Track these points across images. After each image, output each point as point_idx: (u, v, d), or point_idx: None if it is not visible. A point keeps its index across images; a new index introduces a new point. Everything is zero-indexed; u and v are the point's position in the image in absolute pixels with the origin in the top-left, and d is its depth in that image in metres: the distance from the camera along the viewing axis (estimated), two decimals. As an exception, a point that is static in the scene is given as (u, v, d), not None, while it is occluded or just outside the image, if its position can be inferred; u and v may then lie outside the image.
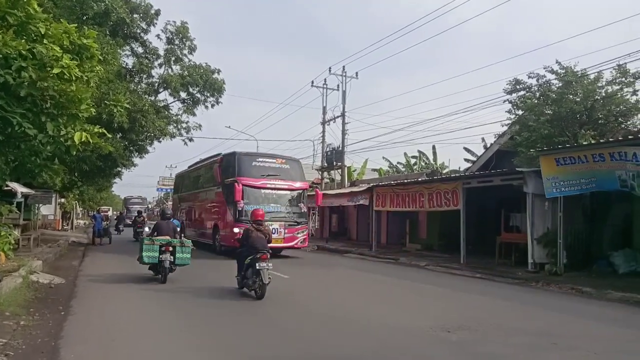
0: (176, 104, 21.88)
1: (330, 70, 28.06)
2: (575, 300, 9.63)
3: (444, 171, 29.65)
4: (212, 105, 21.53)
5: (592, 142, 13.10)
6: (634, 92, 14.95)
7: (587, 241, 13.41)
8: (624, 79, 14.78)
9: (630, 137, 12.00)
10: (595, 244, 13.45)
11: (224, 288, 9.57)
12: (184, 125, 21.78)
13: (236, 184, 15.62)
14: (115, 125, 14.63)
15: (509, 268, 13.45)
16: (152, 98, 20.45)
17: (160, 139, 20.20)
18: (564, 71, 15.44)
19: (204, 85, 20.64)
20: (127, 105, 13.02)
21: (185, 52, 20.44)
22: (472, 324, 6.95)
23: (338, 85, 28.17)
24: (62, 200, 35.74)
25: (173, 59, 20.22)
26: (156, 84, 20.74)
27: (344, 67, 27.86)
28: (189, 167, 24.64)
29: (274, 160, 17.10)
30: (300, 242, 16.87)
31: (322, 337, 6.09)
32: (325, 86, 28.93)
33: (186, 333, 6.22)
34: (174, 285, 9.95)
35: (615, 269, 12.21)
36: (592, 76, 15.18)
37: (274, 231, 14.12)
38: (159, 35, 19.96)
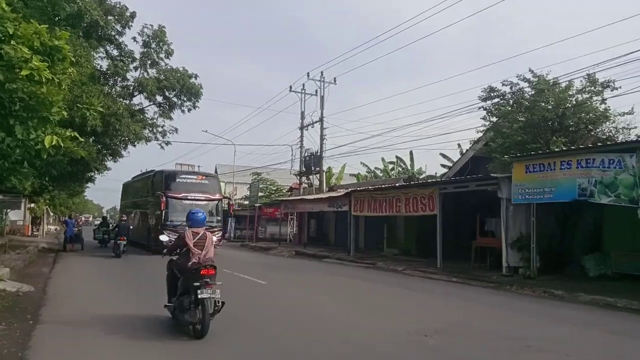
0: (152, 108, 21.60)
1: (308, 76, 28.13)
2: (548, 303, 9.83)
3: (421, 176, 30.00)
4: (189, 110, 21.38)
5: (564, 148, 13.47)
6: (603, 101, 15.45)
7: (559, 245, 13.75)
8: (593, 88, 15.27)
9: (599, 144, 12.42)
10: (567, 248, 13.80)
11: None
12: (160, 129, 21.50)
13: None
14: (89, 128, 14.31)
15: (484, 272, 13.66)
16: (127, 101, 20.13)
17: (135, 143, 19.86)
18: (536, 79, 15.85)
19: (180, 89, 20.45)
20: (101, 109, 12.81)
21: (162, 55, 20.22)
22: (448, 328, 7.02)
23: (316, 91, 28.27)
24: (32, 205, 34.70)
25: (149, 62, 19.97)
26: (131, 87, 20.43)
27: (322, 72, 28.01)
28: None
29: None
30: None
31: (297, 338, 6.04)
32: (303, 91, 29.00)
33: (162, 342, 6.08)
34: (149, 295, 9.77)
35: (586, 272, 12.54)
36: (563, 85, 15.63)
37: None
38: (135, 38, 19.71)
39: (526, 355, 5.74)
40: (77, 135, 7.59)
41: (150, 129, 21.00)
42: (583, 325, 7.61)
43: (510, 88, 16.42)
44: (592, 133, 15.98)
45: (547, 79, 15.74)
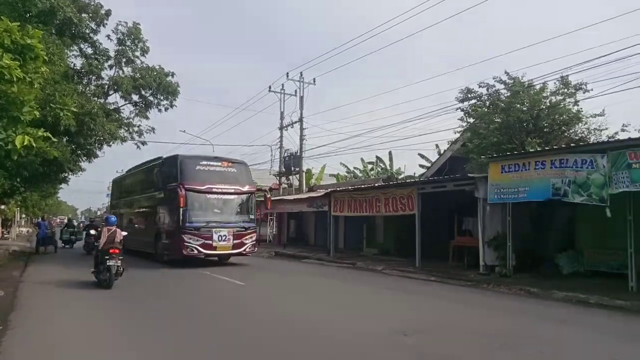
0: (128, 107, 21.18)
1: (287, 76, 28.08)
2: (523, 300, 10.03)
3: (400, 177, 30.25)
4: (166, 109, 21.01)
5: (538, 149, 13.76)
6: (576, 103, 15.87)
7: (534, 244, 14.03)
8: (566, 89, 15.65)
9: (572, 144, 12.74)
10: (541, 247, 14.09)
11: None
12: (136, 128, 21.10)
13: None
14: (62, 128, 13.93)
15: (462, 271, 13.85)
16: (102, 100, 19.69)
17: (111, 143, 19.45)
18: (512, 81, 16.17)
19: (157, 87, 20.11)
20: (74, 108, 12.51)
21: (138, 53, 19.80)
22: (426, 326, 7.10)
23: (296, 91, 28.25)
24: (3, 207, 33.69)
25: (124, 60, 19.56)
26: (106, 86, 19.99)
27: (301, 72, 27.99)
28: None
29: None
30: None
31: (279, 343, 6.02)
32: (282, 91, 28.92)
33: (134, 345, 5.98)
34: (119, 296, 9.61)
35: (560, 270, 12.84)
36: (537, 87, 15.97)
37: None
38: (109, 36, 19.27)
39: (503, 352, 5.84)
40: (50, 136, 7.41)
41: (126, 128, 20.59)
42: (557, 322, 7.78)
43: (487, 90, 16.70)
44: (566, 134, 16.38)
45: (522, 81, 16.07)
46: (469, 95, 17.08)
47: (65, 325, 7.04)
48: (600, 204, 10.18)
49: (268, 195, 18.56)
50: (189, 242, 14.82)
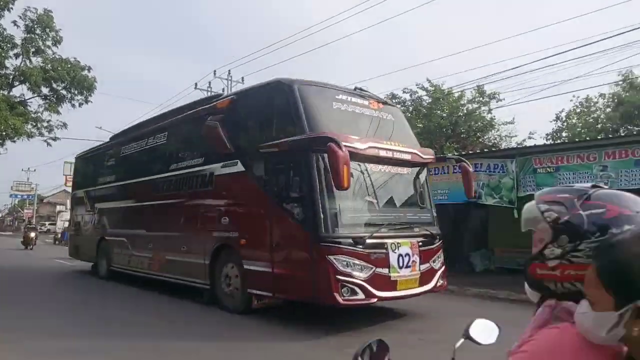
0: (36, 100, 19.51)
1: (215, 74, 27.35)
2: (441, 297, 10.41)
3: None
4: (81, 104, 19.62)
5: (455, 154, 14.52)
6: (489, 111, 17.00)
7: (450, 243, 14.74)
8: (481, 98, 16.72)
9: (485, 150, 13.58)
10: (458, 246, 14.86)
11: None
12: (45, 124, 19.50)
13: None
14: (-44, 120, 12.54)
15: (385, 271, 14.22)
16: (6, 92, 17.98)
17: (15, 139, 17.80)
18: (433, 89, 16.96)
19: (71, 81, 18.72)
20: (-31, 98, 11.28)
21: (49, 43, 18.34)
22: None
23: (223, 89, 27.54)
24: None
25: (33, 50, 18.01)
26: (11, 77, 18.28)
27: (229, 71, 27.36)
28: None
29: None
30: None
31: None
32: (209, 89, 28.09)
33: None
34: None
35: (474, 267, 13.62)
36: (456, 94, 16.91)
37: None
38: (15, 21, 17.66)
39: (418, 348, 6.00)
40: None
41: (34, 123, 18.94)
42: (471, 317, 8.10)
43: (410, 96, 17.41)
44: (480, 140, 17.51)
45: (442, 88, 16.92)
46: (394, 101, 17.67)
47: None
48: (509, 205, 10.91)
49: (470, 168, 8.99)
50: (346, 273, 6.50)
